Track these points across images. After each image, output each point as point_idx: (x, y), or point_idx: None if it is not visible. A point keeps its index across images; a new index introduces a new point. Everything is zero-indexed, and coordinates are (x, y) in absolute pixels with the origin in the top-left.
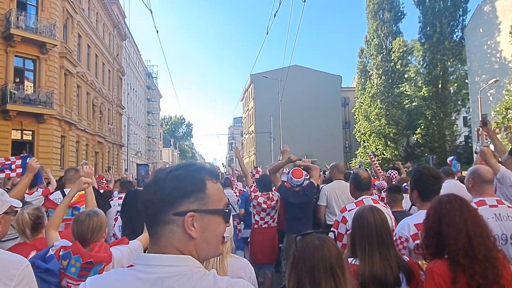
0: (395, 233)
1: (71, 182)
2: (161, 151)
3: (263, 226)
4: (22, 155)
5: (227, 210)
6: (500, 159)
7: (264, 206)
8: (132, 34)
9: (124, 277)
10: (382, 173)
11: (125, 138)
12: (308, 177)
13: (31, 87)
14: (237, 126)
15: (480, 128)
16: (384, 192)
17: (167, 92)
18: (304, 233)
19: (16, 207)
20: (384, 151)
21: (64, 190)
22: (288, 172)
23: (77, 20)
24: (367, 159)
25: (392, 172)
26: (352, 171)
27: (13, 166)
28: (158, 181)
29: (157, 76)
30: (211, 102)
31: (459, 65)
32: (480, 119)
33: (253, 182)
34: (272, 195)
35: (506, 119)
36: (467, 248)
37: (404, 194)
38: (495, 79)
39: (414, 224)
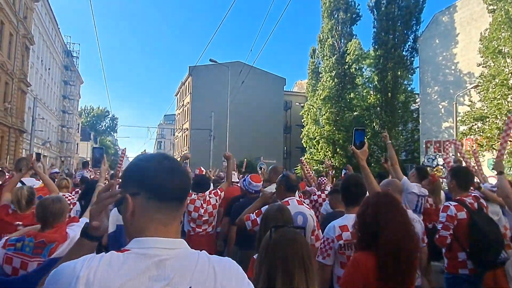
0: (323, 236)
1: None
2: (77, 144)
3: (200, 233)
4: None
5: None
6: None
7: (202, 210)
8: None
9: (126, 260)
10: (313, 178)
11: (29, 123)
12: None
13: None
14: (169, 123)
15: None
16: (313, 195)
17: (90, 80)
18: (278, 225)
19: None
20: (332, 158)
21: None
22: (246, 177)
23: None
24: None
25: (322, 179)
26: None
27: None
28: (179, 168)
29: (78, 56)
30: (141, 98)
31: (409, 75)
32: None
33: None
34: (209, 198)
35: (473, 131)
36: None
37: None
38: (475, 85)
39: (339, 226)
